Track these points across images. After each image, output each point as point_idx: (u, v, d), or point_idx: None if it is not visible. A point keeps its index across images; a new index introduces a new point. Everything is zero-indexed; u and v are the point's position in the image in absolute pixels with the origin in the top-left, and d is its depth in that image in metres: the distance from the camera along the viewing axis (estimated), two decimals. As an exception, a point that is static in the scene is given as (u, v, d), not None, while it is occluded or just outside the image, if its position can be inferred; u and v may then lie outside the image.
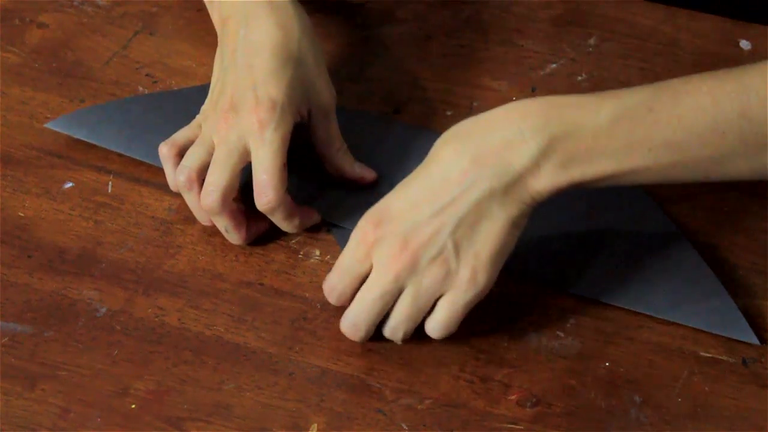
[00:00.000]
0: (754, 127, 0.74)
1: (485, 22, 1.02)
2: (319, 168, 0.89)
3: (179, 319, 0.81)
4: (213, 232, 0.86)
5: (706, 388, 0.79)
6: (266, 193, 0.82)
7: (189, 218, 0.87)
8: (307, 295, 0.83)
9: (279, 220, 0.84)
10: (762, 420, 0.77)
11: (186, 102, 0.93)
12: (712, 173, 0.76)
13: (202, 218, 0.85)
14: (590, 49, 1.00)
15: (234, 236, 0.84)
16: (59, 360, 0.79)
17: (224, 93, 0.84)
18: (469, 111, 0.94)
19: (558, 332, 0.81)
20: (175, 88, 0.95)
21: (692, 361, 0.80)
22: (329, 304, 0.82)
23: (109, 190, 0.88)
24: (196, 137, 0.85)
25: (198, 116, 0.86)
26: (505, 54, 0.99)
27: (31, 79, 0.96)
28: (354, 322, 0.78)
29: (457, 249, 0.75)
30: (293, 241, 0.86)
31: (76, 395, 0.77)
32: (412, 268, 0.76)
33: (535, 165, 0.75)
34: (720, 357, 0.80)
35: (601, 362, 0.80)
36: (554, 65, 0.98)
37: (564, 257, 0.85)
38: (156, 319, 0.81)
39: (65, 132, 0.90)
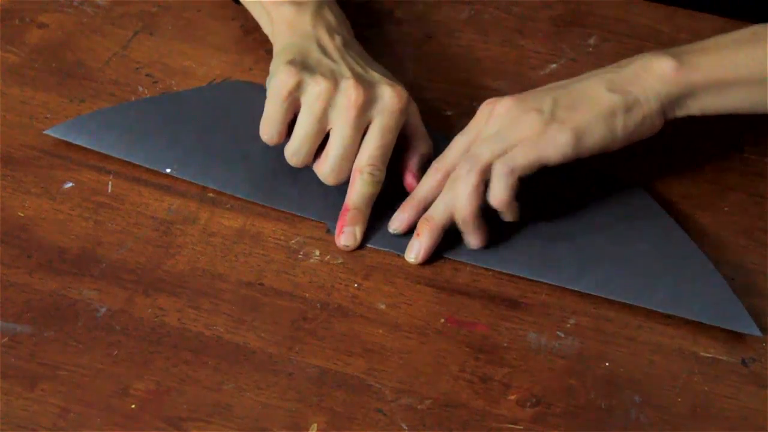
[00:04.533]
0: None
1: (485, 22, 1.02)
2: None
3: (179, 319, 0.81)
4: (213, 232, 0.86)
5: (706, 388, 0.79)
6: (379, 166, 0.85)
7: (189, 218, 0.87)
8: (307, 295, 0.83)
9: (370, 193, 0.86)
10: (762, 420, 0.77)
11: (184, 105, 0.93)
12: None
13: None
14: (590, 49, 1.00)
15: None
16: (59, 360, 0.79)
17: (338, 68, 0.86)
18: (470, 111, 0.94)
19: (558, 332, 0.81)
20: (173, 92, 0.95)
21: (692, 361, 0.80)
22: (329, 304, 0.82)
23: (109, 190, 0.88)
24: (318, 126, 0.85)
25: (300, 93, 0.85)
26: (505, 54, 0.99)
27: (31, 79, 0.96)
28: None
29: (555, 105, 0.82)
30: (293, 241, 0.86)
31: (76, 395, 0.77)
32: (513, 108, 0.83)
33: (648, 65, 0.83)
34: (720, 357, 0.80)
35: (601, 362, 0.80)
36: (554, 65, 0.98)
37: (565, 255, 0.85)
38: (156, 319, 0.81)
39: (64, 138, 0.90)
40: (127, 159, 0.89)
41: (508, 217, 0.84)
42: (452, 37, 1.00)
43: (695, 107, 0.85)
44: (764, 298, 0.83)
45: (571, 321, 0.82)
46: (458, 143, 0.85)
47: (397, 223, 0.86)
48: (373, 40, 1.00)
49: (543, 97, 0.83)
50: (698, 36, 0.99)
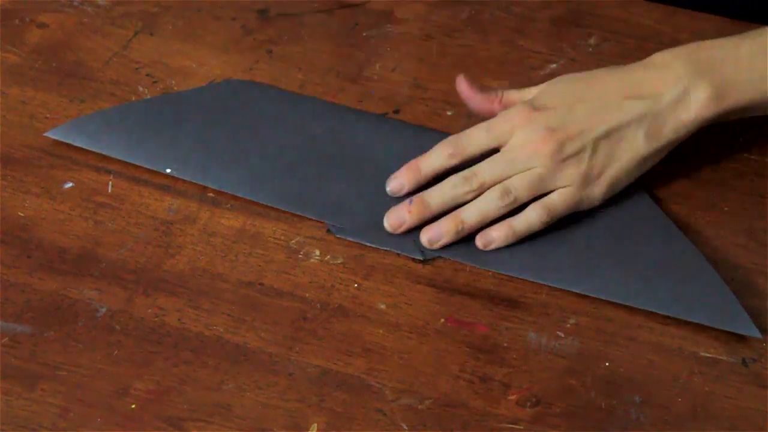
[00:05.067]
0: None
1: (485, 22, 1.02)
2: (320, 169, 0.89)
3: (179, 319, 0.81)
4: (213, 231, 0.86)
5: (706, 388, 0.79)
6: None
7: (189, 218, 0.87)
8: (307, 295, 0.83)
9: None
10: (762, 420, 0.77)
11: (184, 105, 0.93)
12: None
13: None
14: (590, 49, 1.00)
15: None
16: (59, 360, 0.79)
17: None
18: (470, 111, 0.94)
19: (558, 332, 0.81)
20: (173, 92, 0.95)
21: (692, 361, 0.80)
22: (329, 304, 0.82)
23: (109, 190, 0.88)
24: None
25: None
26: (505, 54, 0.99)
27: (31, 79, 0.96)
28: (481, 180, 0.84)
29: (593, 156, 0.84)
30: (293, 241, 0.86)
31: (76, 395, 0.77)
32: (552, 156, 0.83)
33: (685, 95, 0.84)
34: (720, 357, 0.80)
35: (601, 362, 0.80)
36: (554, 65, 0.98)
37: (564, 256, 0.85)
38: (156, 319, 0.81)
39: (65, 140, 0.90)
40: (127, 160, 0.89)
41: (496, 242, 0.84)
42: (452, 37, 1.00)
43: (722, 120, 0.87)
44: (764, 298, 0.83)
45: (571, 321, 0.82)
46: (480, 137, 0.86)
47: (396, 186, 0.86)
48: (373, 40, 1.00)
49: (584, 140, 0.84)
50: (698, 36, 0.99)
